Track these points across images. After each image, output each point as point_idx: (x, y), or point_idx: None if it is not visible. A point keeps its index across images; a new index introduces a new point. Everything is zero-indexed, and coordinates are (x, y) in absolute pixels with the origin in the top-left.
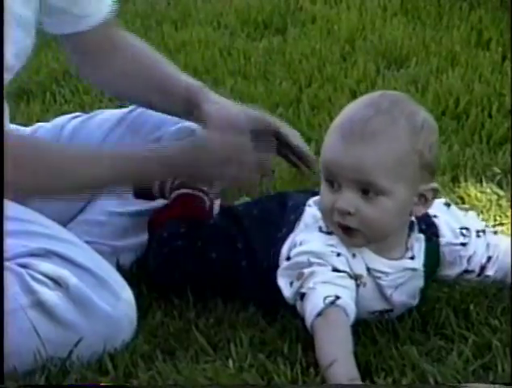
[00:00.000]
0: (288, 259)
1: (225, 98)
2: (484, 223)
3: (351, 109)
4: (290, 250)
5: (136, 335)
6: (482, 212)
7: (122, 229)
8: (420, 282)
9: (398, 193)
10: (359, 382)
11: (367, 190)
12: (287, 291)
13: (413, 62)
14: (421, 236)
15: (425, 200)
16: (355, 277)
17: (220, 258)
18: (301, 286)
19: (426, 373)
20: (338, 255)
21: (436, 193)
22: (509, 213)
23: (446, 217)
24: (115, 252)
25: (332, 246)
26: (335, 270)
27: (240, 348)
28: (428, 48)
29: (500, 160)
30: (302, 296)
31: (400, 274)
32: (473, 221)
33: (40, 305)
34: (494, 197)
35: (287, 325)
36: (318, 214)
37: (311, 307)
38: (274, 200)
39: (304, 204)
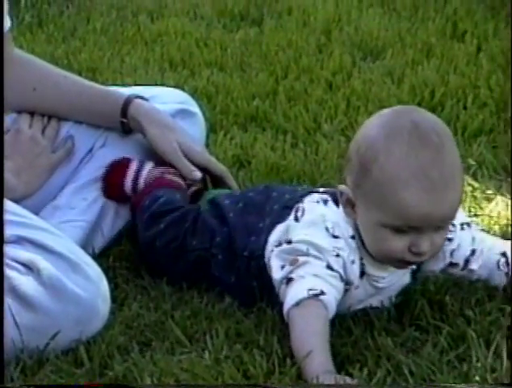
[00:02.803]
0: (289, 242)
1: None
2: (466, 216)
3: (410, 155)
4: (281, 238)
5: (112, 327)
6: None
7: (96, 204)
8: (407, 279)
9: None
10: (334, 374)
11: (444, 226)
12: (277, 273)
13: (388, 54)
14: None
15: None
16: (346, 282)
17: (198, 246)
18: (291, 271)
19: (401, 363)
20: (337, 255)
21: None
22: (483, 205)
23: None
24: (91, 228)
25: (337, 248)
26: (329, 267)
27: (216, 340)
28: (403, 39)
29: (475, 152)
30: (289, 281)
31: (395, 274)
32: (458, 214)
33: (12, 290)
34: (469, 189)
35: (262, 317)
36: (328, 215)
37: (292, 294)
38: (260, 191)
39: (289, 195)
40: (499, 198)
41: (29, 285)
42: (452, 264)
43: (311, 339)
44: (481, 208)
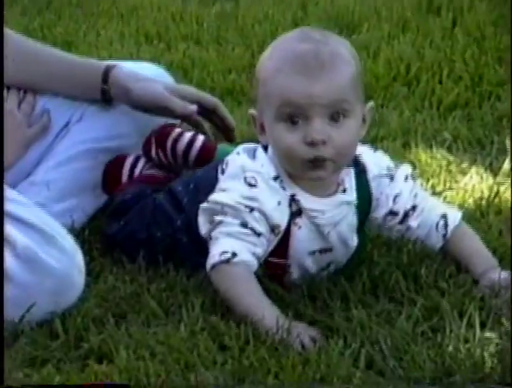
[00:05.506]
0: (208, 202)
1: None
2: (411, 171)
3: (288, 49)
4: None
5: (88, 299)
6: (432, 177)
7: (72, 186)
8: (354, 219)
9: (357, 112)
10: (283, 319)
11: (336, 114)
12: (203, 228)
13: (364, 28)
14: (351, 169)
15: (364, 121)
16: (272, 228)
17: (163, 237)
18: (211, 230)
19: (376, 335)
20: (251, 210)
21: (371, 112)
22: (458, 178)
23: (372, 156)
24: (65, 213)
25: (250, 199)
26: (243, 225)
27: (191, 312)
28: (379, 13)
29: (450, 125)
30: (210, 239)
31: (336, 211)
32: (403, 167)
33: None
34: (444, 162)
35: None
36: (246, 164)
37: (210, 256)
38: (210, 168)
39: None
40: (473, 171)
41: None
42: (392, 213)
43: (247, 301)
44: (456, 181)
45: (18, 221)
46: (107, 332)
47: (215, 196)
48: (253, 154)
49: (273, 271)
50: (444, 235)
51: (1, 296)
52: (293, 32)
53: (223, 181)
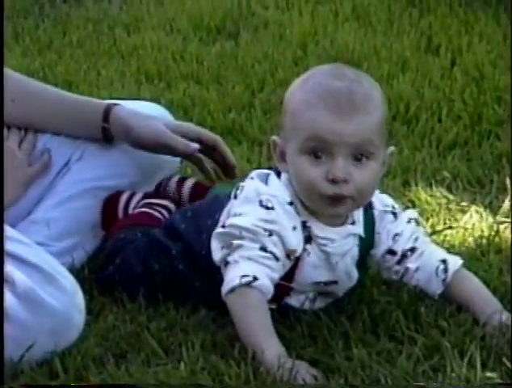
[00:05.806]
0: (224, 226)
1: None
2: (417, 215)
3: (321, 84)
4: (224, 219)
5: (87, 339)
6: (432, 215)
7: (73, 225)
8: (356, 252)
9: (380, 155)
10: (288, 358)
11: (360, 155)
12: (216, 254)
13: (364, 67)
14: None
15: (383, 163)
16: (288, 253)
17: (161, 268)
18: (228, 254)
19: (377, 374)
20: (270, 234)
21: (392, 157)
22: (458, 216)
23: (379, 195)
24: (65, 252)
25: (268, 222)
26: (263, 249)
27: (191, 351)
28: (379, 53)
29: (449, 164)
30: (226, 264)
31: (344, 241)
32: (409, 211)
33: None
34: (443, 201)
35: None
36: (261, 188)
37: (228, 279)
38: (208, 198)
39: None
40: (473, 210)
41: (4, 297)
42: (391, 252)
43: (255, 331)
44: (456, 219)
45: (19, 260)
46: (107, 372)
47: (232, 220)
48: (265, 180)
49: (274, 291)
50: (444, 280)
51: (1, 299)
52: (326, 67)
53: (237, 205)
